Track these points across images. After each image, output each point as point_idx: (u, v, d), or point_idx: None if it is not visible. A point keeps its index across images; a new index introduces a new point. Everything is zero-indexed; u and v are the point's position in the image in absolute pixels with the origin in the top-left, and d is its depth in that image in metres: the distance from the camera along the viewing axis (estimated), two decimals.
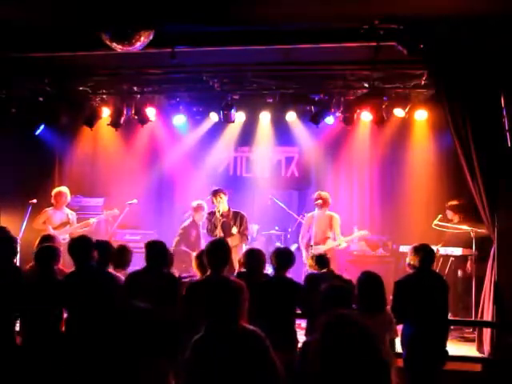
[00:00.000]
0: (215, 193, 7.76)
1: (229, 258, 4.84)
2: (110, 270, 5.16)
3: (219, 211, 7.63)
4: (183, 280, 5.11)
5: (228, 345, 3.10)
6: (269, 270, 7.60)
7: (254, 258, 5.06)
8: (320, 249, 7.55)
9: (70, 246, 4.99)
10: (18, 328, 5.18)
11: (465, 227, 7.37)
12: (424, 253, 5.01)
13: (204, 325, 3.20)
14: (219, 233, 7.55)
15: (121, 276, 5.09)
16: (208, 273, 4.64)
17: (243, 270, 5.20)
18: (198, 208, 8.32)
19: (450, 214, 7.83)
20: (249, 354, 3.10)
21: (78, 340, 4.56)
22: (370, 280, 4.46)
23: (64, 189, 8.32)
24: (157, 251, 5.05)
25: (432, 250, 5.15)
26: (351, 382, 2.45)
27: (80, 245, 4.94)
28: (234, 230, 7.65)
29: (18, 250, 5.64)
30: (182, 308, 4.56)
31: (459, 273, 7.54)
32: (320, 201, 7.90)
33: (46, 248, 5.11)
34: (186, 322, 4.30)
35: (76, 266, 4.93)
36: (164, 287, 4.80)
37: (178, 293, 4.79)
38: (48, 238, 5.82)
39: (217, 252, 4.67)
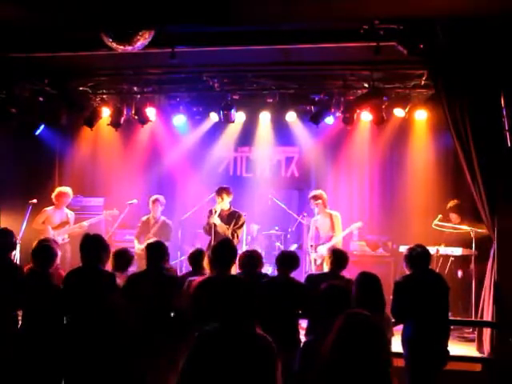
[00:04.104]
0: (219, 192, 7.60)
1: (235, 257, 4.90)
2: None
3: (216, 211, 7.52)
4: (189, 278, 5.08)
5: (238, 347, 2.99)
6: (269, 270, 7.63)
7: (250, 259, 5.10)
8: (323, 248, 7.55)
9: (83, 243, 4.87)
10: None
11: (465, 227, 7.37)
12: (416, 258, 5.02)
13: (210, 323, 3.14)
14: (213, 233, 7.43)
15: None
16: (214, 272, 4.73)
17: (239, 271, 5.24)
18: (154, 201, 8.36)
19: (453, 216, 7.78)
20: (255, 361, 2.99)
21: (78, 339, 4.56)
22: (368, 281, 4.44)
23: (66, 189, 8.32)
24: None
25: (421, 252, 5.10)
26: (359, 381, 2.49)
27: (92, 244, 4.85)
28: (227, 231, 7.41)
29: (15, 244, 5.56)
30: (191, 307, 4.56)
31: (459, 273, 7.55)
32: (320, 200, 7.87)
33: (43, 248, 4.98)
34: (194, 320, 4.32)
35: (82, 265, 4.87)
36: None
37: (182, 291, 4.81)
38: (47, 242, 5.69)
39: (223, 251, 4.78)
